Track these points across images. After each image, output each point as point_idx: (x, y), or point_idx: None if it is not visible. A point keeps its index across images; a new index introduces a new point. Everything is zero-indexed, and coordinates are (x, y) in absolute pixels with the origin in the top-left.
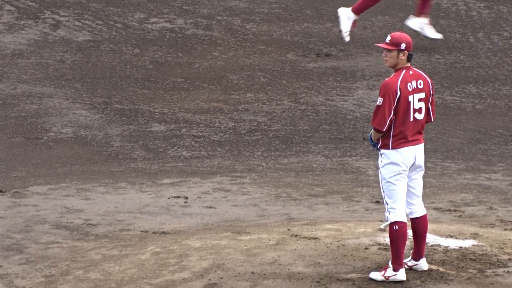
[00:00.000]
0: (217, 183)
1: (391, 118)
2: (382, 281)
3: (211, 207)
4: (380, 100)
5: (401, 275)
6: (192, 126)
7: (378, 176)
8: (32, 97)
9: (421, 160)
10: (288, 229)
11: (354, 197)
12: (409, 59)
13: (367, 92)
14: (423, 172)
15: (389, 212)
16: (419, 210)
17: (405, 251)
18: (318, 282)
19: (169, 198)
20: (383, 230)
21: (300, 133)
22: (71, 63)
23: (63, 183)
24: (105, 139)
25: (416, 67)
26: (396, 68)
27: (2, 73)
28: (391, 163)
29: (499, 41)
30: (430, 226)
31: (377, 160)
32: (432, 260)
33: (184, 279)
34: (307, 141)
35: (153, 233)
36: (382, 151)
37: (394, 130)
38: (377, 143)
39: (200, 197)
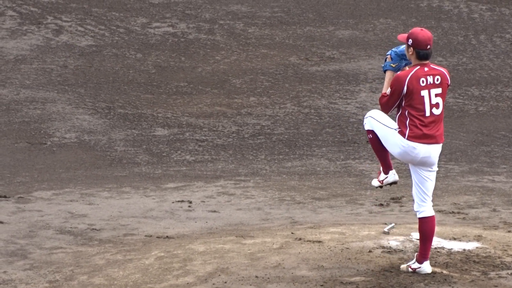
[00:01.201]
0: (221, 187)
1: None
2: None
3: (215, 211)
4: (389, 90)
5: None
6: (196, 130)
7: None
8: (35, 102)
9: (435, 158)
10: (292, 233)
11: (358, 200)
12: (419, 56)
13: (370, 95)
14: (435, 173)
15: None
16: (428, 210)
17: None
18: (322, 285)
19: (173, 202)
20: (387, 233)
21: (304, 136)
22: (74, 68)
23: (67, 188)
24: (109, 143)
25: (435, 64)
26: (414, 66)
27: (5, 79)
28: (405, 151)
29: (501, 43)
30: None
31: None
32: (435, 262)
33: (188, 283)
34: (311, 145)
35: (157, 237)
36: (399, 135)
37: (410, 121)
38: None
39: (204, 201)
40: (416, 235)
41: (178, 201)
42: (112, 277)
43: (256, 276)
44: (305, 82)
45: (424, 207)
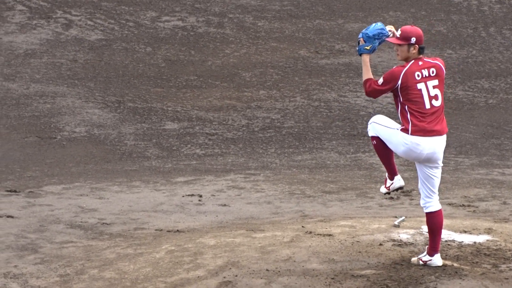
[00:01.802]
0: (231, 180)
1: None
2: (392, 278)
3: (225, 205)
4: (381, 81)
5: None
6: (205, 123)
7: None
8: (45, 97)
9: (440, 154)
10: (302, 226)
11: (368, 193)
12: (420, 52)
13: None
14: (441, 168)
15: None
16: (434, 204)
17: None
18: (332, 278)
19: (183, 196)
20: (397, 226)
21: (313, 129)
22: (84, 62)
23: (77, 183)
24: (119, 137)
25: (427, 57)
26: (408, 61)
27: (15, 73)
28: (409, 149)
29: (511, 35)
30: (444, 222)
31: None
32: (446, 255)
33: (199, 277)
34: (321, 138)
35: (168, 231)
36: (402, 133)
37: (411, 115)
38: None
39: (214, 195)
40: (426, 228)
41: (188, 195)
42: (122, 271)
43: (267, 270)
44: (315, 75)
45: (431, 202)
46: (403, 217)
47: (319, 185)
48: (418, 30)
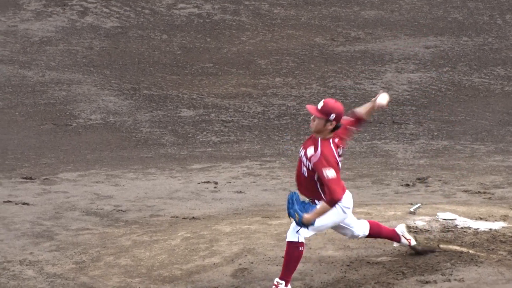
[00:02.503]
0: (247, 167)
1: None
2: (407, 265)
3: (240, 192)
4: (333, 173)
5: None
6: (221, 111)
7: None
8: (61, 84)
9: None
10: None
11: (383, 180)
12: (335, 129)
13: (396, 75)
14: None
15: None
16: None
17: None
18: (348, 265)
19: (198, 183)
20: (413, 213)
21: None
22: (100, 49)
23: (93, 170)
24: (134, 125)
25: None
26: (318, 134)
27: (31, 60)
28: (344, 214)
29: None
30: (460, 209)
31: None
32: (462, 242)
33: (214, 264)
34: None
35: (183, 218)
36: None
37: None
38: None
39: (230, 182)
40: (442, 215)
41: (204, 182)
42: (138, 258)
43: (282, 257)
44: (331, 63)
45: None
46: (419, 204)
47: None
48: (340, 107)
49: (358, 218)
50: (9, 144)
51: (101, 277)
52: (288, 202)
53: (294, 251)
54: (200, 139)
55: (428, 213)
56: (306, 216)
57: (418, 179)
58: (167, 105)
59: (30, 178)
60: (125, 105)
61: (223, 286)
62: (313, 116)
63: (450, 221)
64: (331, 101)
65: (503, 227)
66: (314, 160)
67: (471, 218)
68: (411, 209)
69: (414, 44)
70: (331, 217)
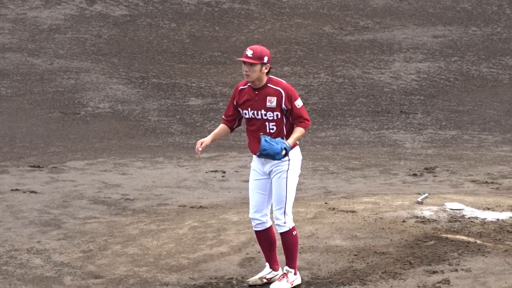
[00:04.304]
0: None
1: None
2: (415, 255)
3: (248, 181)
4: (299, 100)
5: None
6: (229, 100)
7: (284, 180)
8: (69, 72)
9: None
10: (326, 203)
11: (391, 170)
12: (268, 72)
13: (404, 65)
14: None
15: (287, 215)
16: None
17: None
18: (355, 255)
19: (206, 172)
20: (420, 203)
21: (337, 106)
22: (108, 37)
23: (101, 158)
24: (142, 113)
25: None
26: (259, 82)
27: (39, 48)
28: (299, 160)
29: None
30: (467, 199)
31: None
32: (469, 232)
33: (222, 253)
34: (344, 114)
35: (191, 207)
36: (293, 152)
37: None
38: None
39: (238, 171)
40: (450, 205)
41: (212, 171)
42: (146, 247)
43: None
44: (339, 52)
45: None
46: (427, 194)
47: (343, 162)
48: (267, 50)
49: (365, 208)
50: (17, 132)
51: (108, 266)
52: (266, 142)
53: (290, 238)
54: (208, 128)
55: (435, 203)
56: (289, 142)
57: (426, 169)
58: (176, 93)
59: (38, 167)
60: (134, 93)
61: (230, 275)
62: (244, 67)
63: (457, 211)
64: (257, 47)
65: (510, 217)
66: (283, 99)
67: (479, 208)
68: (419, 199)
69: (423, 33)
70: (295, 185)
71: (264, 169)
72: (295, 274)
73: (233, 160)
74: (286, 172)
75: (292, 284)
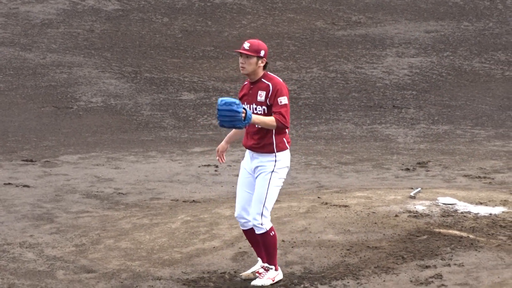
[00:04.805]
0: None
1: None
2: (407, 249)
3: None
4: (285, 99)
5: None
6: (222, 94)
7: (266, 181)
8: (62, 67)
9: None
10: (318, 197)
11: (384, 164)
12: (265, 67)
13: (397, 60)
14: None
15: (265, 217)
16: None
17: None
18: (348, 249)
19: (199, 166)
20: (413, 198)
21: (330, 100)
22: (101, 32)
23: (93, 152)
24: (135, 108)
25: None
26: (254, 75)
27: (32, 43)
28: (285, 166)
29: None
30: (460, 193)
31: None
32: (462, 227)
33: (214, 247)
34: (337, 109)
35: (184, 201)
36: (278, 154)
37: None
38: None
39: (230, 166)
40: (442, 200)
41: (204, 165)
42: (138, 241)
43: (283, 240)
44: (332, 47)
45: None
46: (419, 188)
47: (335, 156)
48: (265, 44)
49: (358, 203)
50: (9, 127)
51: (101, 260)
52: (224, 105)
53: (267, 239)
54: (201, 122)
55: (428, 197)
56: (254, 116)
57: (418, 163)
58: (168, 88)
59: (31, 161)
60: (126, 88)
61: (223, 269)
62: (241, 59)
63: (450, 205)
64: (254, 40)
65: (503, 212)
66: (270, 93)
67: (471, 203)
68: (411, 194)
69: (415, 28)
70: (277, 190)
71: (251, 165)
72: (276, 270)
73: (226, 155)
74: (270, 173)
75: (273, 280)
